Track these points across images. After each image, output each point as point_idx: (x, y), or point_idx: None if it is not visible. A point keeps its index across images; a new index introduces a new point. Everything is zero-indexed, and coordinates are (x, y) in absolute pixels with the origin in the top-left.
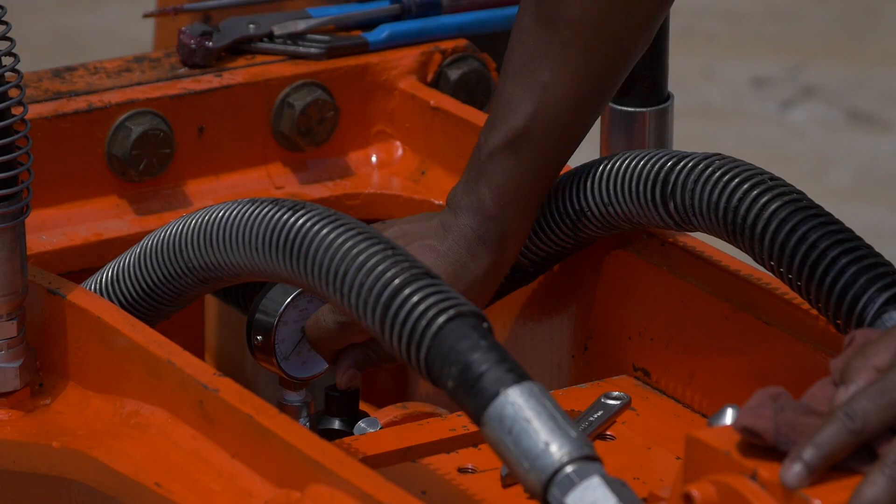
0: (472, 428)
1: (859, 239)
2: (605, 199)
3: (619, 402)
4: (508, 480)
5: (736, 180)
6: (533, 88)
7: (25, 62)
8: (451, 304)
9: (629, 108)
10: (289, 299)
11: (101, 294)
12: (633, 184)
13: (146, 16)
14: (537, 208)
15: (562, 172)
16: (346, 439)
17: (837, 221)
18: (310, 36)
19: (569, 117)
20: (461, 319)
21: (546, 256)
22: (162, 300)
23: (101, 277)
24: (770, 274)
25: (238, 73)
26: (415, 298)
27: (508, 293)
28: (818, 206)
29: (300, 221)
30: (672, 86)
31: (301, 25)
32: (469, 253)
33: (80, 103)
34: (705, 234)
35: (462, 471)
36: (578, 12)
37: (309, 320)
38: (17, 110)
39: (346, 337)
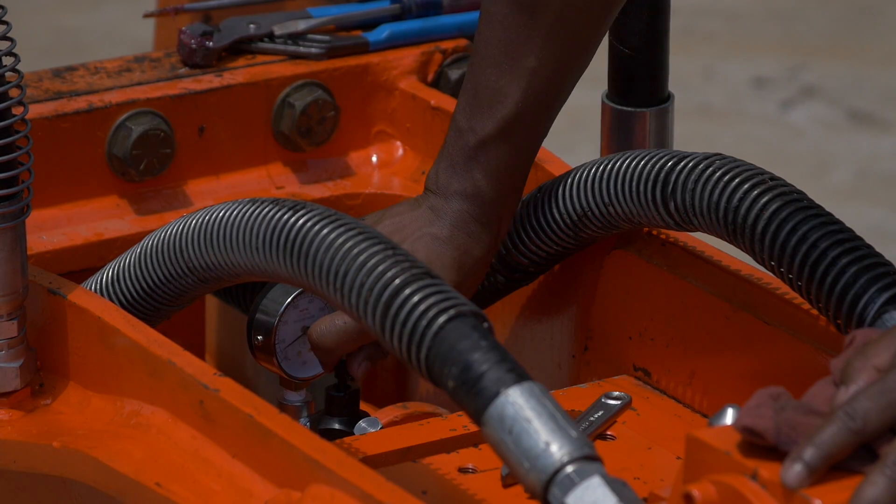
0: (473, 428)
1: (860, 239)
2: (606, 199)
3: (619, 402)
4: (509, 480)
5: (736, 180)
6: (520, 75)
7: (26, 62)
8: (451, 304)
9: (629, 108)
10: (289, 299)
11: (102, 294)
12: (634, 184)
13: (146, 16)
14: (524, 184)
15: (561, 173)
16: (347, 439)
17: (838, 221)
18: (310, 36)
19: (557, 98)
20: (461, 319)
21: (547, 256)
22: (162, 300)
23: (102, 277)
24: (770, 274)
25: (238, 73)
26: (415, 298)
27: (509, 293)
28: (818, 206)
29: (300, 221)
30: (672, 86)
31: (301, 25)
32: (469, 237)
33: (80, 103)
34: (706, 234)
35: (462, 471)
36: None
37: (315, 325)
38: (17, 110)
39: (357, 342)
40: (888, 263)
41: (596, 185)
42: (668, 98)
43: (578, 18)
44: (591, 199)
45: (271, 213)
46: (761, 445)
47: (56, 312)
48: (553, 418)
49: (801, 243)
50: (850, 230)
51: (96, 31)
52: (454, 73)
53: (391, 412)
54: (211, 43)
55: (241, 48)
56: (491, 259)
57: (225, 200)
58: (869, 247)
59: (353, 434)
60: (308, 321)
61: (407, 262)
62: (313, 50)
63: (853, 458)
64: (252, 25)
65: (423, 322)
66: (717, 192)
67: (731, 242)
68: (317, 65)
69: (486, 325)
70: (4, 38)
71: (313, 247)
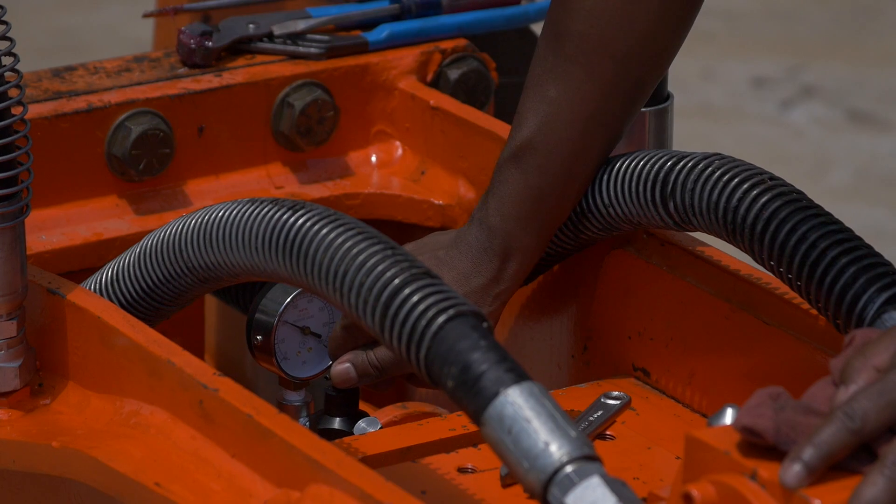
0: (472, 428)
1: (859, 239)
2: (606, 200)
3: (618, 402)
4: (508, 480)
5: (736, 180)
6: (540, 102)
7: (25, 62)
8: (450, 303)
9: None
10: (288, 299)
11: (101, 294)
12: (633, 184)
13: (146, 15)
14: (544, 226)
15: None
16: (346, 439)
17: (837, 221)
18: (309, 36)
19: (574, 133)
20: (461, 319)
21: (546, 257)
22: (162, 300)
23: (101, 277)
24: (770, 274)
25: (238, 73)
26: (415, 298)
27: None
28: (818, 206)
29: (300, 221)
30: (672, 86)
31: (301, 25)
32: (472, 264)
33: (79, 103)
34: (705, 234)
35: (462, 471)
36: (581, 27)
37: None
38: (16, 110)
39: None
40: (887, 263)
41: (595, 185)
42: (667, 98)
43: (597, 53)
44: (590, 199)
45: (271, 213)
46: (760, 445)
47: (55, 312)
48: (552, 418)
49: (800, 243)
50: (849, 230)
51: (95, 31)
52: (453, 73)
53: (390, 412)
54: (210, 43)
55: (240, 48)
56: (492, 293)
57: (224, 200)
58: (868, 247)
59: (353, 434)
60: (307, 321)
61: (406, 262)
62: (313, 50)
63: (852, 457)
64: (251, 25)
65: (423, 322)
66: (716, 192)
67: (730, 242)
68: (316, 65)
69: (485, 324)
70: (4, 37)
71: (312, 247)
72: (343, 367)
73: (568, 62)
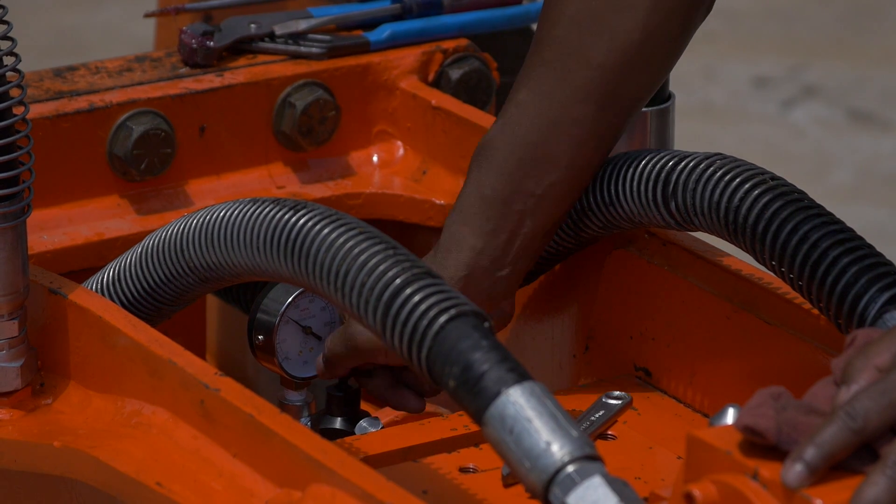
0: (474, 427)
1: (860, 239)
2: (607, 199)
3: (620, 402)
4: (509, 480)
5: (737, 180)
6: (509, 105)
7: (27, 62)
8: (452, 303)
9: None
10: (290, 299)
11: (103, 294)
12: (635, 183)
13: (147, 15)
14: (493, 228)
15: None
16: (348, 439)
17: (839, 221)
18: (311, 35)
19: (535, 136)
20: (462, 319)
21: (547, 256)
22: (163, 300)
23: (103, 277)
24: (771, 274)
25: (239, 73)
26: (416, 298)
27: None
28: (819, 206)
29: (301, 221)
30: (673, 86)
31: (302, 25)
32: (431, 257)
33: (81, 103)
34: (707, 234)
35: (463, 470)
36: (560, 33)
37: (334, 336)
38: (18, 110)
39: (370, 356)
40: (889, 263)
41: (597, 184)
42: (668, 98)
43: (573, 59)
44: (591, 198)
45: (272, 213)
46: (762, 445)
47: (57, 312)
48: (554, 418)
49: (801, 243)
50: (850, 230)
51: (97, 31)
52: (455, 73)
53: (392, 412)
54: (212, 42)
55: (241, 48)
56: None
57: (226, 200)
58: (870, 246)
59: (354, 434)
60: (309, 321)
61: (408, 262)
62: (314, 50)
63: (854, 457)
64: (253, 25)
65: (424, 322)
66: (717, 191)
67: (731, 242)
68: (318, 64)
69: (486, 324)
70: (5, 37)
71: (314, 246)
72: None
73: (543, 66)
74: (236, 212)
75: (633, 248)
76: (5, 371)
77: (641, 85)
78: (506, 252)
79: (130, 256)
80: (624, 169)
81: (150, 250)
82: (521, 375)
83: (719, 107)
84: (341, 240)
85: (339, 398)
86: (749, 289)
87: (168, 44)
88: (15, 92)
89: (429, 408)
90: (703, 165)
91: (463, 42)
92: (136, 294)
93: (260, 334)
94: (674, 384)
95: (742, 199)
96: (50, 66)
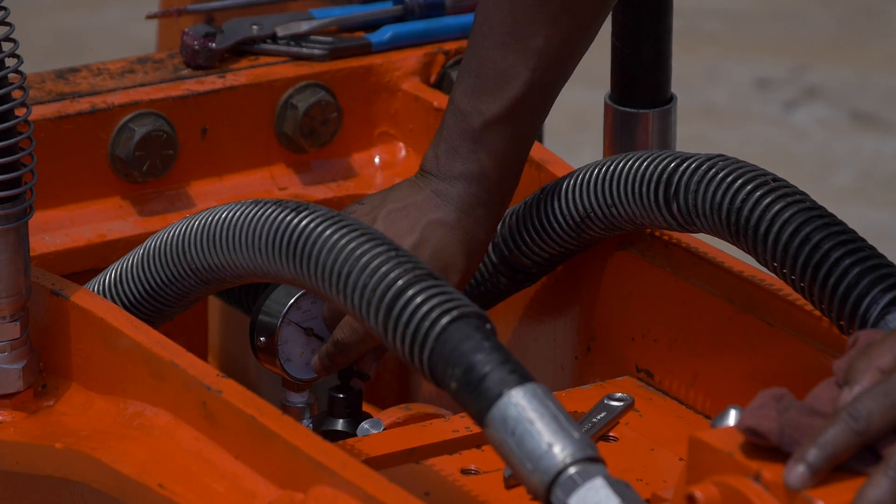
0: (476, 429)
1: (862, 240)
2: (609, 201)
3: (622, 404)
4: (511, 482)
5: (739, 181)
6: (528, 55)
7: (29, 63)
8: (454, 305)
9: (632, 110)
10: (292, 300)
11: (105, 295)
12: (637, 185)
13: (149, 17)
14: (523, 166)
15: (564, 174)
16: (350, 441)
17: (840, 223)
18: (313, 37)
19: (559, 80)
20: (464, 321)
21: (550, 258)
22: (165, 301)
23: (105, 279)
24: (773, 275)
25: (241, 75)
26: (418, 300)
27: (512, 294)
28: (821, 208)
29: (303, 222)
30: (675, 87)
31: (304, 27)
32: (476, 221)
33: (83, 104)
34: (708, 236)
35: (465, 472)
36: None
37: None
38: (20, 111)
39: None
40: (891, 265)
41: (599, 186)
42: (670, 99)
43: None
44: (593, 200)
45: (274, 215)
46: (764, 446)
47: (59, 314)
48: (556, 420)
49: (803, 244)
50: (852, 231)
51: (99, 33)
52: (457, 75)
53: (394, 413)
54: (214, 44)
55: (243, 49)
56: (490, 239)
57: (228, 202)
58: (872, 248)
59: (356, 435)
60: (311, 322)
61: (410, 263)
62: (316, 51)
63: (856, 459)
64: (255, 27)
65: (426, 323)
66: (719, 193)
67: (733, 244)
68: (319, 66)
69: (488, 326)
70: (7, 39)
71: (316, 248)
72: (314, 357)
73: (555, 12)
74: (238, 213)
75: (634, 250)
76: (7, 373)
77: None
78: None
79: (132, 258)
80: (626, 170)
81: (152, 252)
82: (522, 377)
83: (721, 108)
84: (343, 241)
85: (340, 400)
86: (751, 290)
87: (170, 45)
88: (17, 93)
89: (431, 409)
90: (704, 167)
91: (465, 43)
92: (138, 296)
93: (262, 336)
94: (675, 385)
95: (744, 201)
96: (52, 67)
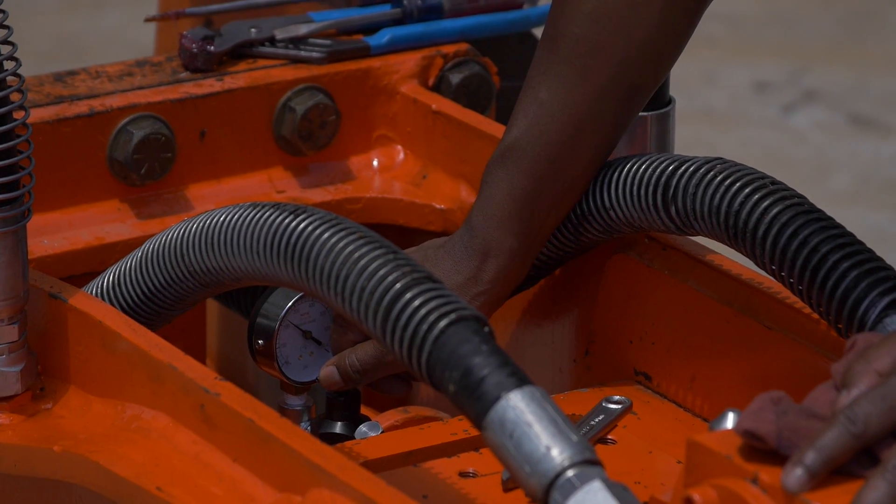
0: (474, 432)
1: (861, 243)
2: (607, 204)
3: (620, 407)
4: (510, 485)
5: (737, 184)
6: (530, 104)
7: (27, 66)
8: (452, 308)
9: None
10: (290, 303)
11: (103, 298)
12: (635, 188)
13: (148, 20)
14: (528, 229)
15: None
16: (348, 443)
17: (839, 226)
18: (311, 40)
19: (563, 136)
20: (462, 324)
21: (547, 260)
22: (163, 304)
23: (103, 282)
24: (771, 278)
25: (239, 78)
26: (416, 303)
27: (510, 297)
28: (819, 211)
29: (302, 225)
30: (673, 90)
31: (303, 29)
32: (453, 263)
33: (81, 107)
34: (707, 239)
35: (463, 475)
36: (579, 30)
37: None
38: (18, 114)
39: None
40: (889, 268)
41: (597, 188)
42: (669, 102)
43: (594, 56)
44: (591, 202)
45: (272, 217)
46: (762, 449)
47: (57, 317)
48: (554, 422)
49: (802, 247)
50: (851, 234)
51: (97, 35)
52: (455, 78)
53: (392, 416)
54: (212, 47)
55: (242, 52)
56: (470, 293)
57: (226, 204)
58: (870, 251)
59: (354, 438)
60: (309, 325)
61: (408, 266)
62: (314, 54)
63: (854, 462)
64: (253, 29)
65: (424, 326)
66: (718, 196)
67: (732, 247)
68: (318, 69)
69: (487, 329)
70: (5, 42)
71: (314, 251)
72: (329, 369)
73: (563, 64)
74: (236, 216)
75: (633, 253)
76: (5, 375)
77: (655, 77)
78: (533, 249)
79: (130, 261)
80: (624, 173)
81: (150, 255)
82: (521, 380)
83: (720, 111)
84: (341, 244)
85: (339, 403)
86: (749, 293)
87: (168, 48)
88: (15, 96)
89: (429, 412)
90: (703, 170)
91: (463, 46)
92: (136, 298)
93: (260, 339)
94: (674, 388)
95: (742, 204)
96: (50, 70)
